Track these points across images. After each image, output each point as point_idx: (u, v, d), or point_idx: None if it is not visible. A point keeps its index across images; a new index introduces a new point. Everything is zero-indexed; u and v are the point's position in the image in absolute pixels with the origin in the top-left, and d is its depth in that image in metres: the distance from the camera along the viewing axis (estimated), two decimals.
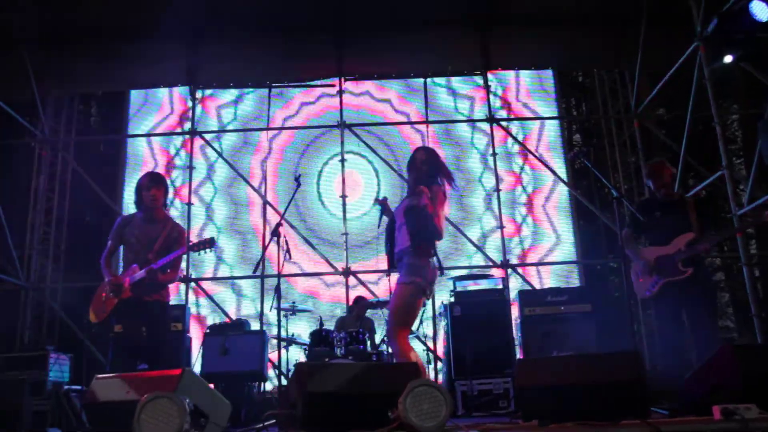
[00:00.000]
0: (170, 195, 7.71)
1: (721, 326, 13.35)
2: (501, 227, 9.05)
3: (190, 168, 9.34)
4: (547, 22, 8.98)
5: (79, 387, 6.57)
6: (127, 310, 4.62)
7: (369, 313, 7.61)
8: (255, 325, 8.26)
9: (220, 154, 9.40)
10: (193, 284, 8.88)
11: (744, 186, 8.34)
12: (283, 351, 6.81)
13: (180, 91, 9.78)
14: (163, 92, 9.80)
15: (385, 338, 4.18)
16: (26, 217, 9.26)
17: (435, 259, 4.24)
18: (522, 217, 9.30)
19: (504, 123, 9.55)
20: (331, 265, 8.94)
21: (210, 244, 4.80)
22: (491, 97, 9.60)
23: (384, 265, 4.68)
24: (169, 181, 6.92)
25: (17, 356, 6.84)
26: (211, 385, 6.42)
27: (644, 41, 8.67)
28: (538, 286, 8.77)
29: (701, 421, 2.79)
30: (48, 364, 6.65)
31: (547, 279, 9.07)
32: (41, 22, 8.45)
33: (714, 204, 10.05)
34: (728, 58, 7.16)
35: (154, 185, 4.78)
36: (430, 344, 7.47)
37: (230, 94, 9.81)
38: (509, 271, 8.89)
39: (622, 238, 5.09)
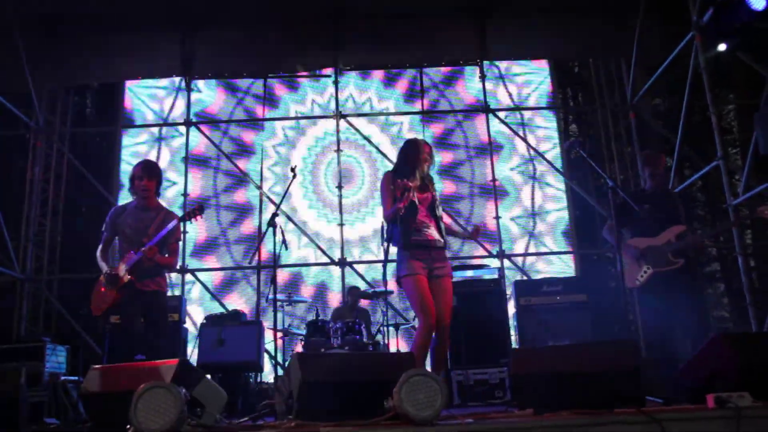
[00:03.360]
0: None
1: (717, 316, 13.41)
2: (497, 217, 9.07)
3: (187, 158, 9.32)
4: (544, 12, 8.96)
5: (75, 378, 6.59)
6: (126, 300, 4.62)
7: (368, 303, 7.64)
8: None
9: (217, 147, 9.39)
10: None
11: (739, 176, 8.35)
12: (279, 341, 6.85)
13: None
14: None
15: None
16: (22, 208, 9.24)
17: None
18: (518, 207, 9.33)
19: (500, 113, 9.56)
20: (326, 255, 8.96)
21: (199, 211, 4.82)
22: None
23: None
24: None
25: (14, 348, 6.82)
26: (208, 376, 6.46)
27: (640, 31, 8.66)
28: (533, 276, 8.80)
29: (695, 409, 2.81)
30: (45, 356, 6.64)
31: (543, 269, 9.11)
32: (36, 12, 8.39)
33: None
34: (722, 47, 7.17)
35: (146, 176, 4.77)
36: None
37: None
38: (505, 261, 8.91)
39: (606, 229, 5.13)
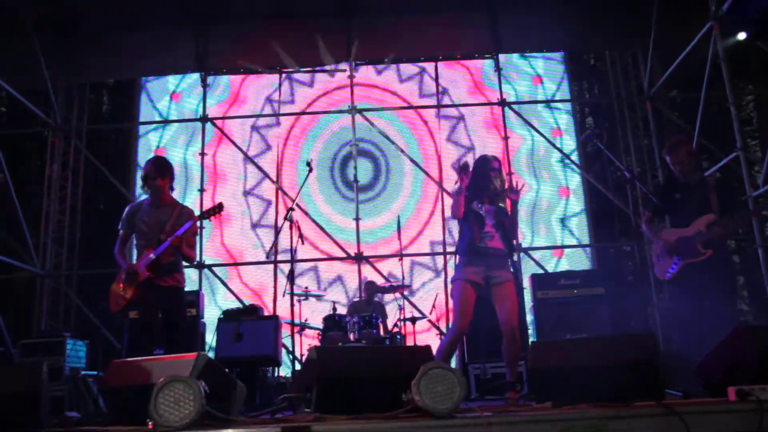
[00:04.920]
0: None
1: None
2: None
3: (202, 154, 9.37)
4: (558, 3, 8.89)
5: (95, 372, 6.66)
6: (144, 295, 4.65)
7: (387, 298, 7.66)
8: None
9: (234, 143, 9.42)
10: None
11: (759, 167, 8.25)
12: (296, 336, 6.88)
13: None
14: None
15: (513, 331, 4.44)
16: (41, 205, 9.34)
17: None
18: (534, 200, 9.29)
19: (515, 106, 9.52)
20: (343, 249, 8.96)
21: (219, 209, 4.82)
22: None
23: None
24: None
25: (35, 342, 6.92)
26: (226, 370, 6.49)
27: (657, 22, 8.57)
28: (550, 270, 8.77)
29: (716, 402, 2.78)
30: (65, 350, 6.73)
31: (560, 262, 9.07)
32: (52, 10, 8.46)
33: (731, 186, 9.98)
34: (742, 35, 7.07)
35: (159, 175, 4.75)
36: (444, 328, 7.47)
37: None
38: (521, 254, 8.88)
39: (643, 221, 5.09)
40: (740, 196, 7.41)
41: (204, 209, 4.93)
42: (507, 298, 4.45)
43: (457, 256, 4.62)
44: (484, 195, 4.56)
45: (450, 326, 4.60)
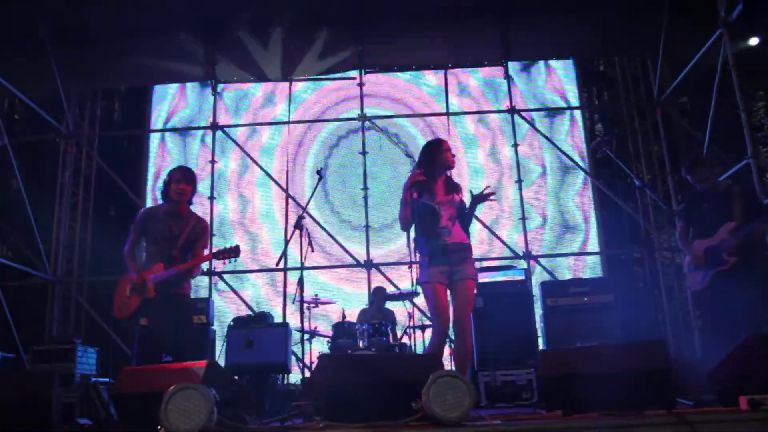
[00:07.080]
0: None
1: None
2: (523, 218, 9.01)
3: (212, 162, 9.42)
4: (568, 10, 8.88)
5: (106, 379, 6.68)
6: (151, 304, 4.65)
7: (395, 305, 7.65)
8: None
9: (242, 149, 9.47)
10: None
11: None
12: (306, 343, 6.89)
13: None
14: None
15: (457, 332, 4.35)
16: (53, 212, 9.41)
17: None
18: (544, 208, 9.26)
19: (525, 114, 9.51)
20: (352, 257, 8.96)
21: (235, 253, 4.77)
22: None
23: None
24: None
25: (46, 349, 6.95)
26: (236, 377, 6.50)
27: (666, 28, 8.55)
28: (560, 277, 8.73)
29: (727, 411, 2.77)
30: (76, 357, 6.76)
31: (571, 270, 9.03)
32: (64, 18, 8.53)
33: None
34: (754, 40, 7.05)
35: (184, 180, 4.74)
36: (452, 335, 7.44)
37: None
38: (531, 262, 8.85)
39: (678, 233, 5.10)
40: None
41: (219, 249, 4.87)
42: (465, 297, 4.36)
43: (418, 253, 4.48)
44: (443, 174, 4.49)
45: (431, 332, 4.53)
